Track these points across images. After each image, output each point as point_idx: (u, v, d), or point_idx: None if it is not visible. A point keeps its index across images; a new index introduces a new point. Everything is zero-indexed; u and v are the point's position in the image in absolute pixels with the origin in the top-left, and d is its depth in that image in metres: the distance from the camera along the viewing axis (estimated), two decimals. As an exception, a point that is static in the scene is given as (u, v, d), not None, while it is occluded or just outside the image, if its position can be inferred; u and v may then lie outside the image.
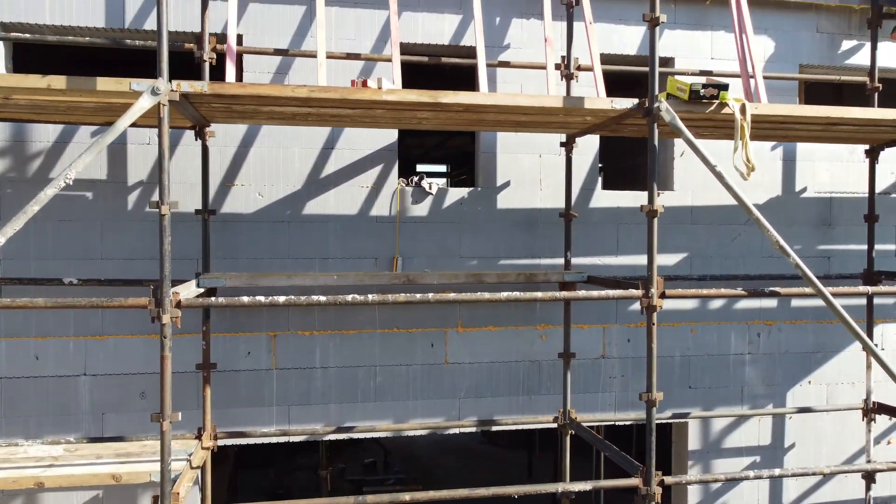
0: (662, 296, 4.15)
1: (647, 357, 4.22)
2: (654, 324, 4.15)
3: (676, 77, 4.43)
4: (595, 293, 4.20)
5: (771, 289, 4.43)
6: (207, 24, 4.99)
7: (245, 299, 3.82)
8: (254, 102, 4.12)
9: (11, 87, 3.72)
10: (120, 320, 5.22)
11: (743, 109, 4.42)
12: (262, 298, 3.81)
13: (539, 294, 4.09)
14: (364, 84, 4.01)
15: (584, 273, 5.23)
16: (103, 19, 5.16)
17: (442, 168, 14.96)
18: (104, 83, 3.74)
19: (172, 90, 3.72)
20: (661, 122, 4.16)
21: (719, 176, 4.16)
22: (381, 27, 5.52)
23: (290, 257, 5.43)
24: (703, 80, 4.39)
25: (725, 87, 4.36)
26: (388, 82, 4.11)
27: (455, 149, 12.54)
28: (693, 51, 6.00)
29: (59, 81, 3.70)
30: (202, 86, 3.83)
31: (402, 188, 5.59)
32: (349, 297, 3.84)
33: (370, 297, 3.89)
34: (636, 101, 4.30)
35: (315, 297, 3.90)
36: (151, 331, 5.07)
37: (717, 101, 4.36)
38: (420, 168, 14.14)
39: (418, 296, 3.94)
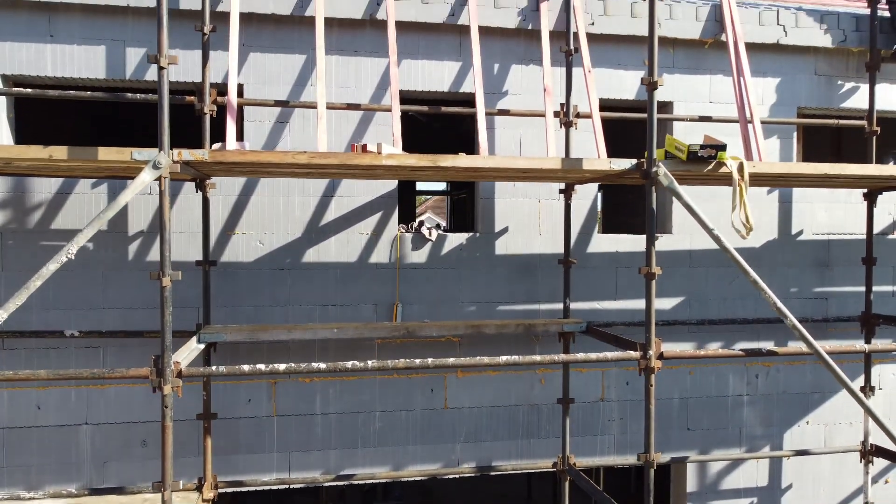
0: (660, 357, 4.18)
1: (646, 416, 4.25)
2: (651, 385, 4.18)
3: (675, 138, 4.46)
4: (594, 356, 4.22)
5: (768, 349, 4.47)
6: (208, 77, 5.01)
7: (245, 368, 3.85)
8: (254, 167, 4.14)
9: (13, 157, 3.74)
10: (121, 365, 5.23)
11: (741, 169, 4.45)
12: (262, 367, 3.84)
13: (538, 358, 4.12)
14: (364, 149, 4.04)
15: (582, 323, 5.27)
16: (104, 70, 5.19)
17: (441, 186, 15.01)
18: (105, 153, 3.78)
19: (174, 161, 3.75)
20: (659, 185, 4.19)
21: (717, 239, 4.19)
22: (381, 74, 5.55)
23: (290, 304, 5.46)
24: (700, 140, 4.42)
25: (723, 147, 4.39)
26: (388, 146, 4.14)
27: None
28: (692, 94, 6.03)
29: (60, 152, 3.73)
30: (203, 154, 3.86)
31: (401, 234, 5.62)
32: (349, 365, 3.88)
33: (369, 363, 3.92)
34: (634, 161, 4.33)
35: (315, 365, 3.94)
36: (152, 379, 5.11)
37: (715, 161, 4.39)
38: (420, 187, 14.17)
39: (417, 361, 3.98)
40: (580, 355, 4.25)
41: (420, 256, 5.64)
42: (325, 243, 5.51)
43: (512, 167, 4.23)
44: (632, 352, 4.19)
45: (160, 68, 3.60)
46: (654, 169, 4.14)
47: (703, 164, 4.38)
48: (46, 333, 5.00)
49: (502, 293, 5.75)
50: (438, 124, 10.33)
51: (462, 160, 4.13)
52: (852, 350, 4.73)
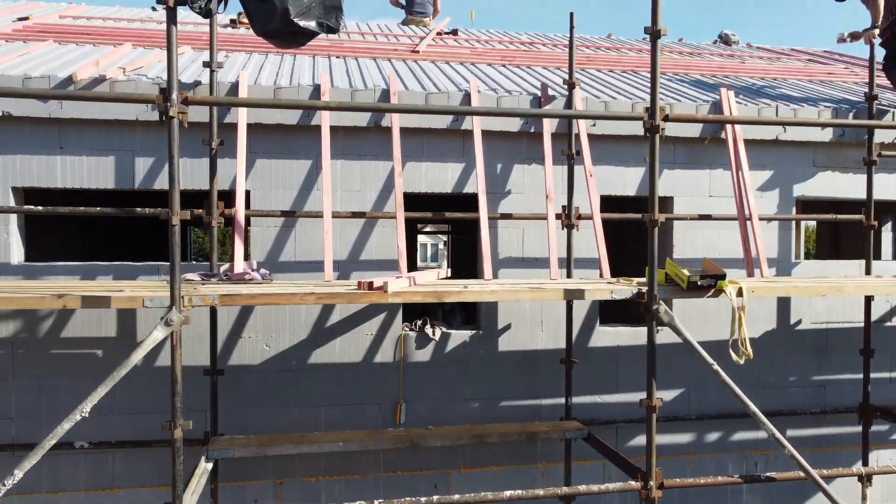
0: (661, 486, 4.26)
1: (646, 541, 4.33)
2: (653, 512, 4.26)
3: (677, 267, 4.55)
4: (595, 488, 4.30)
5: (767, 475, 4.55)
6: (216, 190, 5.10)
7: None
8: (264, 301, 4.22)
9: (28, 307, 3.82)
10: (130, 472, 5.33)
11: (740, 293, 4.53)
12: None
13: (541, 492, 4.20)
14: (371, 286, 4.11)
15: (584, 429, 5.35)
16: (113, 180, 5.27)
17: (444, 227, 15.08)
18: (118, 302, 3.85)
19: (185, 306, 3.83)
20: (660, 321, 4.27)
21: (716, 373, 4.28)
22: (385, 176, 5.63)
23: (297, 405, 5.54)
24: (700, 268, 4.51)
25: (723, 276, 4.47)
26: (394, 280, 4.22)
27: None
28: (692, 188, 6.11)
29: (74, 301, 3.81)
30: (213, 299, 3.94)
31: (405, 334, 5.70)
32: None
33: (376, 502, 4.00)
34: (635, 290, 4.41)
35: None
36: (161, 482, 5.19)
37: (714, 289, 4.48)
38: (423, 229, 14.22)
39: (423, 499, 4.05)
40: (582, 487, 4.32)
41: (424, 355, 5.72)
42: (331, 344, 5.59)
43: (515, 298, 4.30)
44: (633, 482, 4.27)
45: (171, 225, 3.67)
46: (655, 307, 4.21)
47: (702, 291, 4.47)
48: (56, 446, 5.06)
49: (506, 389, 5.83)
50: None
51: (468, 294, 4.21)
52: (849, 473, 4.81)
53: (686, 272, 4.50)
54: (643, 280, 4.87)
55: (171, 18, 3.66)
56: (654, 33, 4.16)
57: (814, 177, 6.31)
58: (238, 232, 4.90)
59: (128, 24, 7.84)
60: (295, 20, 3.70)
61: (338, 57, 6.74)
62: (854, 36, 7.32)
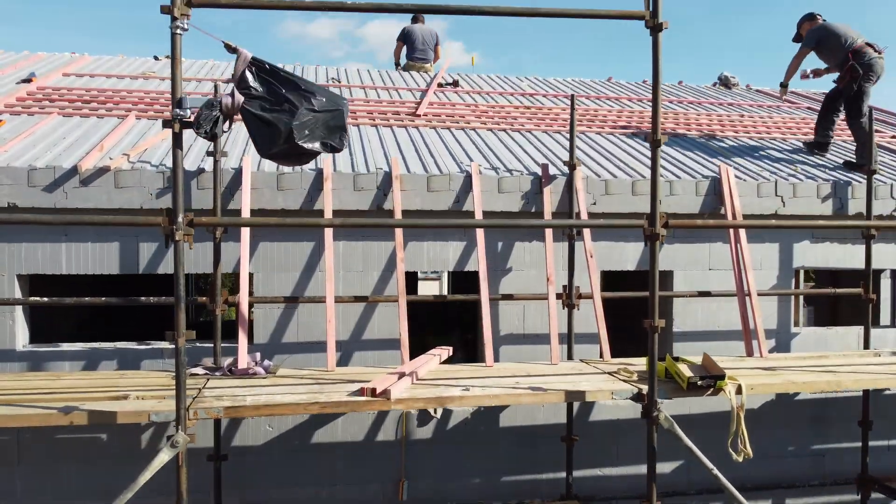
0: (661, 587, 4.30)
1: None
2: None
3: (676, 365, 4.59)
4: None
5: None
6: (219, 276, 5.15)
7: None
8: (268, 413, 4.26)
9: (38, 424, 3.87)
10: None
11: (739, 391, 4.58)
12: None
13: None
14: (374, 393, 4.16)
15: (584, 513, 5.39)
16: (118, 266, 5.31)
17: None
18: (124, 416, 3.90)
19: (191, 419, 3.87)
20: (662, 428, 4.31)
21: (716, 477, 4.32)
22: (387, 256, 5.67)
23: (298, 485, 5.58)
24: (699, 367, 4.55)
25: (722, 376, 4.52)
26: (397, 385, 4.26)
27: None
28: (691, 262, 6.15)
29: (81, 417, 3.86)
30: (218, 411, 3.98)
31: (407, 413, 5.74)
32: None
33: None
34: (636, 392, 4.45)
35: None
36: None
37: (714, 388, 4.52)
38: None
39: None
40: (583, 590, 4.37)
41: (426, 432, 5.76)
42: (333, 423, 5.63)
43: (517, 402, 4.34)
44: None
45: (176, 345, 3.72)
46: (655, 413, 4.26)
47: (702, 391, 4.52)
48: (62, 533, 5.11)
49: (506, 465, 5.87)
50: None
51: (470, 399, 4.26)
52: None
53: (686, 371, 4.55)
54: (643, 369, 4.92)
55: (177, 143, 3.71)
56: (654, 142, 4.21)
57: (813, 248, 6.36)
58: (242, 325, 4.94)
59: (130, 83, 7.88)
60: (299, 143, 3.74)
61: None
62: (816, 73, 7.63)
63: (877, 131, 9.15)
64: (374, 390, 4.20)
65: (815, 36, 7.24)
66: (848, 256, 6.43)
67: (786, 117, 8.82)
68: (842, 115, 7.33)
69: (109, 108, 6.74)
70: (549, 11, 4.09)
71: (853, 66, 6.96)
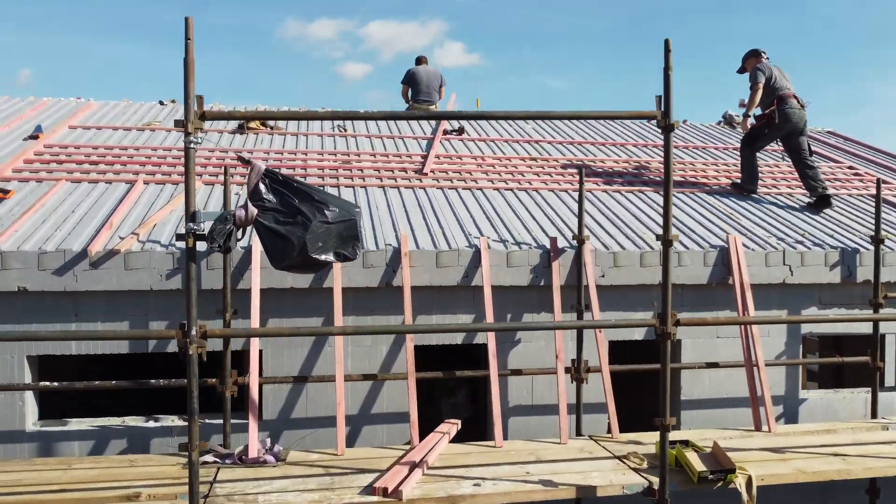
0: None
1: None
2: None
3: (686, 456, 4.60)
4: None
5: None
6: (229, 358, 5.15)
7: None
8: None
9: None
10: None
11: (749, 483, 4.58)
12: None
13: None
14: (386, 492, 4.16)
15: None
16: (127, 345, 5.32)
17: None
18: (137, 523, 3.90)
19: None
20: (670, 521, 4.32)
21: (727, 576, 4.32)
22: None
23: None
24: (710, 457, 4.56)
25: (732, 470, 4.53)
26: (409, 485, 4.27)
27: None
28: (699, 330, 6.15)
29: (94, 525, 3.86)
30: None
31: None
32: None
33: None
34: (647, 485, 4.46)
35: None
36: None
37: (724, 481, 4.53)
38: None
39: None
40: None
41: (434, 505, 5.76)
42: None
43: (529, 499, 4.35)
44: None
45: (190, 461, 3.72)
46: (666, 511, 4.27)
47: (712, 484, 4.52)
48: None
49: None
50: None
51: (481, 499, 4.26)
52: None
53: (696, 464, 4.55)
54: (654, 451, 4.92)
55: (191, 256, 3.71)
56: (665, 241, 4.22)
57: (820, 315, 6.36)
58: (252, 411, 4.95)
59: (136, 136, 7.88)
60: (313, 255, 3.74)
61: (347, 187, 6.79)
62: (746, 106, 8.03)
63: (833, 160, 9.20)
64: (385, 489, 4.20)
65: (766, 72, 7.71)
66: (855, 322, 6.44)
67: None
68: (788, 158, 8.16)
69: (117, 170, 6.76)
70: (562, 114, 4.10)
71: (773, 112, 7.61)
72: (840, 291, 6.35)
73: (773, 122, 7.62)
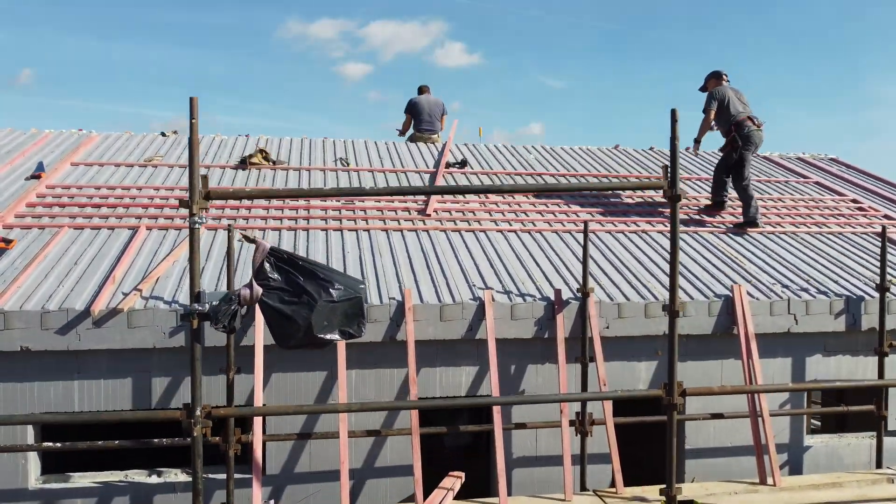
0: None
1: None
2: None
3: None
4: None
5: None
6: (232, 420, 5.13)
7: None
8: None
9: None
10: None
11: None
12: None
13: None
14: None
15: None
16: (130, 401, 5.30)
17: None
18: None
19: None
20: None
21: None
22: (399, 384, 5.65)
23: None
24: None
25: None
26: (413, 554, 4.25)
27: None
28: (704, 379, 6.11)
29: None
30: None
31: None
32: None
33: None
34: (652, 551, 4.44)
35: None
36: None
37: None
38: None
39: None
40: None
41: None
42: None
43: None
44: None
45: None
46: (673, 585, 4.25)
47: (719, 550, 4.51)
48: None
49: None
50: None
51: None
52: None
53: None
54: (661, 498, 4.91)
55: (196, 337, 3.70)
56: (672, 312, 4.20)
57: (825, 361, 6.34)
58: (255, 472, 4.93)
59: (139, 173, 7.86)
60: (318, 335, 3.72)
61: (350, 230, 6.76)
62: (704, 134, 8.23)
63: (837, 192, 9.16)
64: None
65: (719, 97, 7.91)
66: (860, 368, 6.41)
67: (796, 198, 8.81)
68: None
69: (120, 214, 6.74)
70: (569, 187, 4.07)
71: (734, 137, 7.81)
72: (845, 339, 6.33)
73: (739, 146, 7.81)
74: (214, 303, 3.67)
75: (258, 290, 3.74)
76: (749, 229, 7.69)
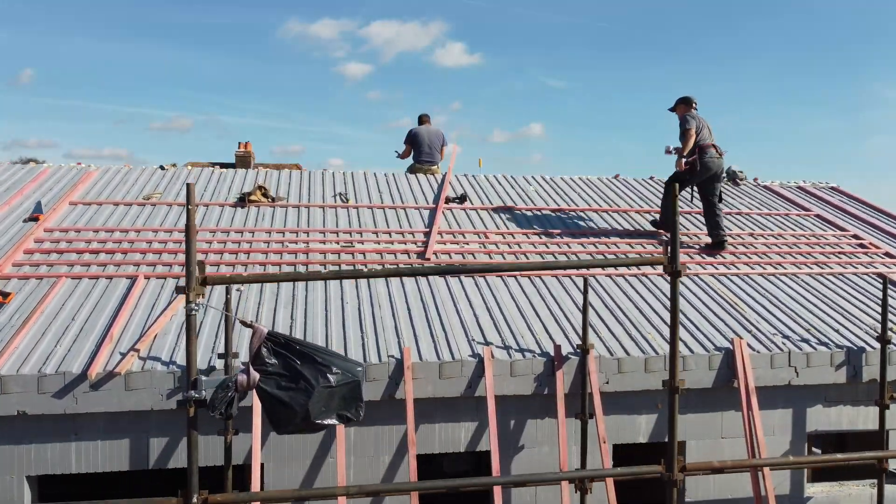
0: None
1: None
2: None
3: None
4: None
5: None
6: (230, 478, 5.11)
7: None
8: None
9: None
10: None
11: None
12: None
13: None
14: None
15: None
16: (127, 463, 5.28)
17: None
18: None
19: None
20: None
21: None
22: (398, 440, 5.63)
23: None
24: None
25: None
26: None
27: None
28: (704, 431, 6.10)
29: None
30: None
31: None
32: None
33: None
34: None
35: None
36: None
37: None
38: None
39: None
40: None
41: None
42: None
43: None
44: None
45: None
46: None
47: None
48: None
49: None
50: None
51: None
52: None
53: None
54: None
55: (192, 424, 3.67)
56: (672, 388, 4.17)
57: (826, 412, 6.31)
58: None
59: (137, 213, 7.84)
60: (315, 421, 3.70)
61: (350, 278, 6.72)
62: (678, 151, 8.22)
63: (838, 227, 9.13)
64: None
65: (695, 120, 8.12)
66: (861, 418, 6.39)
67: (797, 234, 8.80)
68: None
69: (118, 260, 6.73)
70: (569, 264, 4.04)
71: (695, 162, 8.06)
72: (846, 390, 6.31)
73: (696, 170, 8.09)
74: (211, 390, 3.65)
75: (255, 375, 3.72)
76: (717, 251, 8.09)
